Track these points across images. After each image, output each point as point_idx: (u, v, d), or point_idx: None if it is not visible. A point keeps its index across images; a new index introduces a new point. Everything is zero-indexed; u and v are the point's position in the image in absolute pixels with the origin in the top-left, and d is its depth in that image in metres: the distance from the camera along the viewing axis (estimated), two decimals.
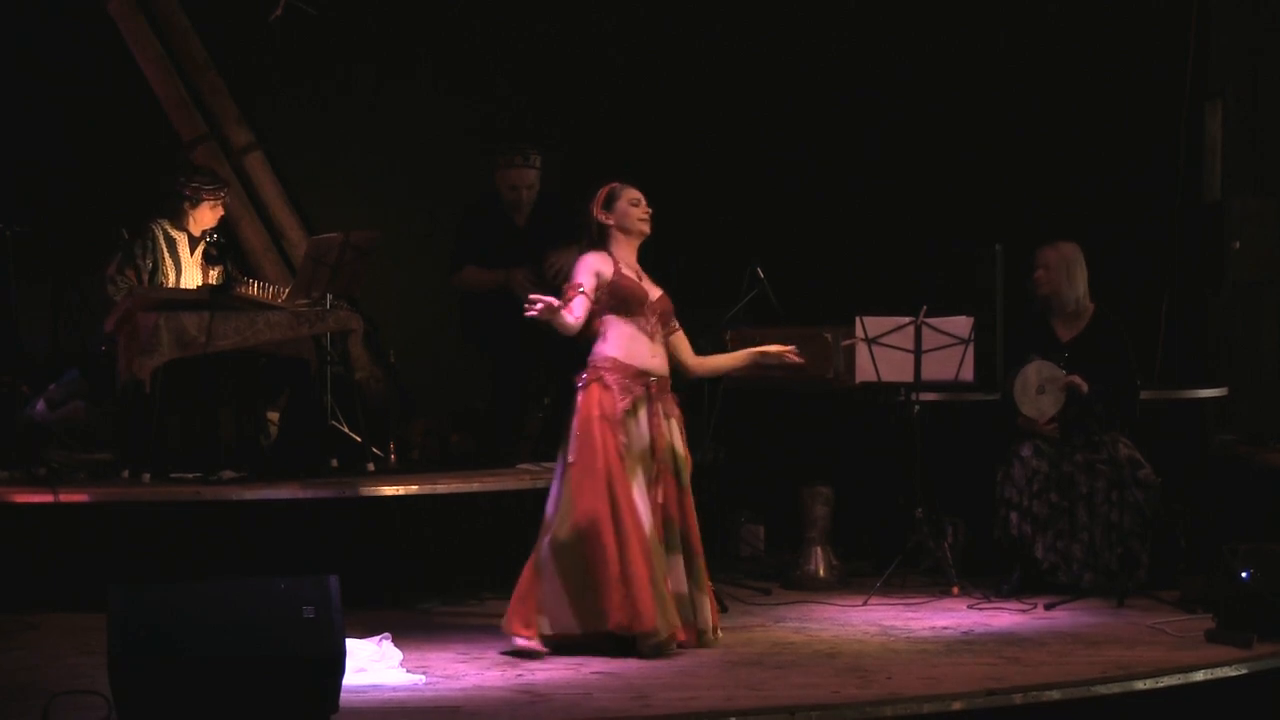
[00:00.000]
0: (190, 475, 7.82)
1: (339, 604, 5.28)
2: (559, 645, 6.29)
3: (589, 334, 6.47)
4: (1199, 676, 5.90)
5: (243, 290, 8.11)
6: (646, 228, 6.62)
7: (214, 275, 8.35)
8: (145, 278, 8.25)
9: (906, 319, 7.61)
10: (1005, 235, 8.37)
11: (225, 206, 8.62)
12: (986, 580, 7.56)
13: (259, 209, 9.55)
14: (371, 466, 8.27)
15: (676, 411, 6.55)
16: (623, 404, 6.36)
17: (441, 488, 7.56)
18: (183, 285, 8.31)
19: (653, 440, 6.41)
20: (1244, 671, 5.99)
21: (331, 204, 9.57)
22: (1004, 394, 7.55)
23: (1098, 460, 7.47)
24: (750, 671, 6.04)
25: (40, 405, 8.61)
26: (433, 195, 9.19)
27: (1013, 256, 8.17)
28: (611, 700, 5.61)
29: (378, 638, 6.19)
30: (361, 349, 8.98)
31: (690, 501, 6.50)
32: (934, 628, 6.86)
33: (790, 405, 8.67)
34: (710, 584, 6.58)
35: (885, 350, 7.60)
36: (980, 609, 7.22)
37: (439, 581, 7.38)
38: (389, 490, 7.61)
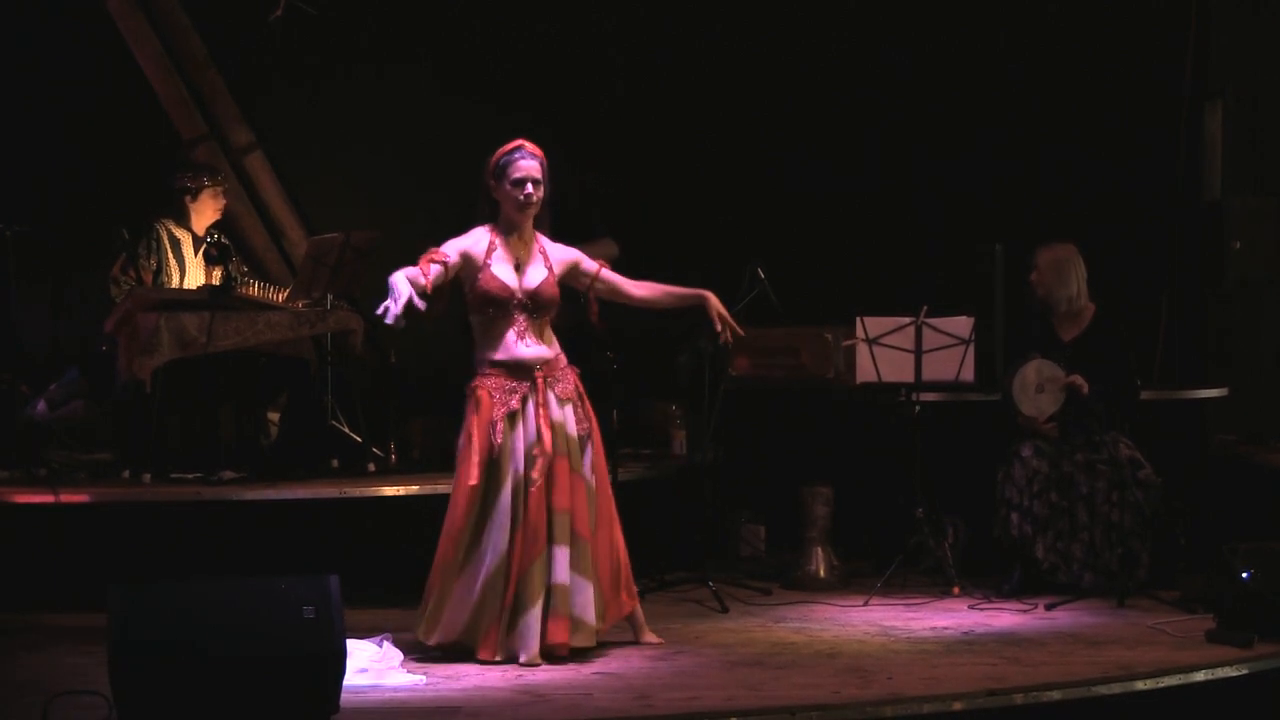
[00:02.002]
0: (190, 475, 7.84)
1: (339, 604, 5.28)
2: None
3: (467, 327, 6.30)
4: (1200, 677, 5.90)
5: (243, 290, 8.12)
6: (520, 216, 6.28)
7: (215, 275, 8.36)
8: (149, 277, 8.26)
9: (907, 319, 7.61)
10: (1006, 235, 8.37)
11: (226, 195, 8.62)
12: (987, 580, 7.56)
13: (259, 209, 9.56)
14: (372, 466, 8.28)
15: (572, 389, 6.34)
16: (501, 412, 6.17)
17: (442, 488, 7.48)
18: (186, 285, 8.33)
19: (544, 432, 6.21)
20: (1245, 672, 5.98)
21: (331, 204, 9.57)
22: (1003, 393, 7.55)
23: (1098, 460, 7.47)
24: (751, 672, 6.04)
25: (40, 405, 8.63)
26: (433, 195, 9.19)
27: (1014, 256, 8.17)
28: (612, 700, 5.61)
29: (378, 638, 6.19)
30: (363, 349, 8.98)
31: (583, 484, 6.28)
32: (934, 628, 6.86)
33: (791, 405, 8.67)
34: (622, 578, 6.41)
35: (886, 350, 7.61)
36: (981, 609, 7.22)
37: None
38: (389, 490, 7.62)
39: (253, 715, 5.16)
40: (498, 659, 6.11)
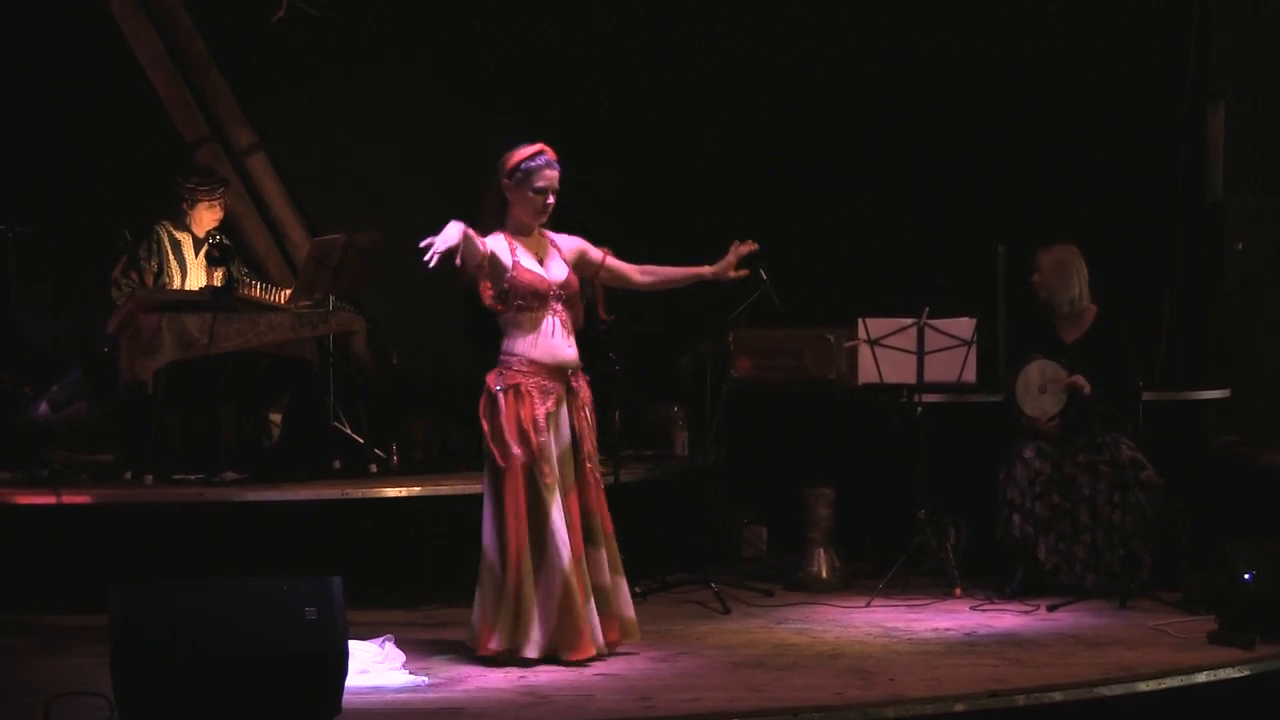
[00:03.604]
0: (192, 476, 7.85)
1: (341, 605, 5.30)
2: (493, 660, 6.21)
3: (498, 322, 6.28)
4: (1201, 678, 5.91)
5: (245, 292, 8.13)
6: (535, 221, 6.31)
7: (217, 277, 8.36)
8: (150, 279, 8.27)
9: (909, 320, 7.62)
10: (1006, 235, 8.37)
11: (224, 206, 8.62)
12: (989, 581, 7.57)
13: (261, 210, 9.56)
14: (374, 467, 8.27)
15: (589, 395, 6.36)
16: (542, 409, 6.18)
17: (444, 489, 7.56)
18: (188, 286, 8.34)
19: (574, 435, 6.25)
20: (1246, 673, 5.99)
21: (333, 204, 9.57)
22: (1006, 393, 7.56)
23: (1100, 461, 7.47)
24: (753, 673, 6.04)
25: (43, 406, 8.63)
26: (434, 195, 9.19)
27: (1015, 257, 8.17)
28: (614, 702, 5.61)
29: (380, 639, 6.19)
30: (365, 350, 8.98)
31: (601, 486, 6.33)
32: (936, 629, 6.86)
33: (793, 406, 8.67)
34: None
35: (888, 351, 7.61)
36: (983, 610, 7.23)
37: (442, 582, 7.37)
38: (391, 491, 7.62)
39: (254, 716, 5.16)
40: (591, 655, 6.13)
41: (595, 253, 6.49)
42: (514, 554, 6.13)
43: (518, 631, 6.12)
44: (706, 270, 6.59)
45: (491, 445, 6.20)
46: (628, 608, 6.37)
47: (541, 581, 6.14)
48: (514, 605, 6.12)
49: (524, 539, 6.13)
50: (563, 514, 6.17)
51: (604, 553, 6.30)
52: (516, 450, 6.14)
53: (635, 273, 6.54)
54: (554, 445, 6.21)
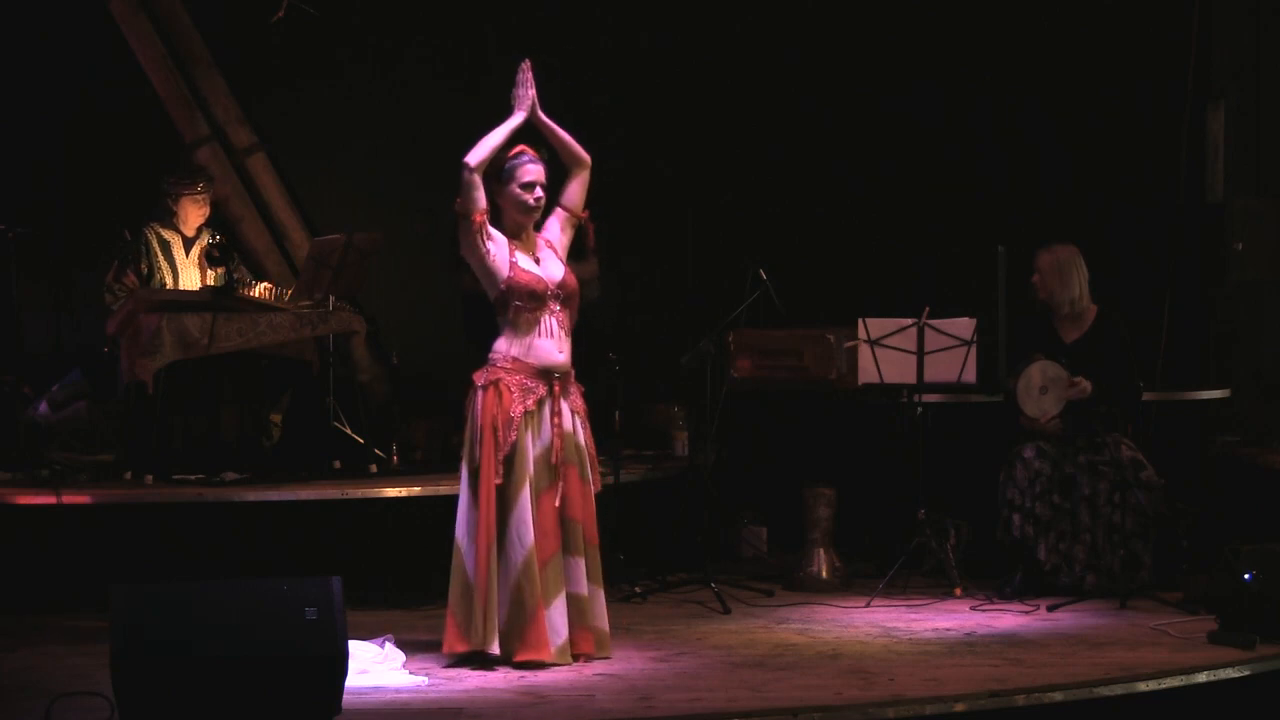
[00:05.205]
0: (193, 476, 7.85)
1: (341, 605, 5.29)
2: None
3: (498, 321, 6.28)
4: (1202, 678, 5.91)
5: (245, 292, 8.13)
6: (525, 219, 6.32)
7: (212, 276, 8.36)
8: (143, 282, 8.27)
9: (909, 320, 7.61)
10: (1006, 235, 8.37)
11: (210, 202, 8.60)
12: (989, 581, 7.56)
13: (261, 210, 9.55)
14: (374, 468, 8.27)
15: (581, 405, 6.33)
16: (519, 409, 6.15)
17: (445, 489, 7.54)
18: (181, 286, 8.33)
19: (555, 439, 6.20)
20: (1246, 673, 5.99)
21: (333, 204, 9.57)
22: (1007, 393, 7.56)
23: (1100, 461, 7.47)
24: (753, 673, 6.04)
25: (43, 406, 8.63)
26: (434, 195, 9.18)
27: (1016, 257, 8.17)
28: (614, 702, 5.61)
29: (380, 639, 6.20)
30: (365, 350, 8.98)
31: (590, 495, 6.28)
32: (937, 629, 6.86)
33: (793, 406, 8.67)
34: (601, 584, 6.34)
35: (888, 352, 7.61)
36: (983, 610, 7.22)
37: (441, 583, 7.36)
38: (392, 492, 7.62)
39: (254, 716, 5.16)
40: (541, 659, 6.07)
41: (560, 214, 6.43)
42: (483, 549, 6.11)
43: (485, 628, 6.09)
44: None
45: (465, 440, 6.22)
46: (602, 620, 6.28)
47: (501, 577, 6.11)
48: (483, 602, 6.10)
49: (492, 534, 6.10)
50: (530, 513, 6.11)
51: (583, 562, 6.22)
52: (487, 446, 6.13)
53: (576, 179, 6.43)
54: (530, 445, 6.18)
